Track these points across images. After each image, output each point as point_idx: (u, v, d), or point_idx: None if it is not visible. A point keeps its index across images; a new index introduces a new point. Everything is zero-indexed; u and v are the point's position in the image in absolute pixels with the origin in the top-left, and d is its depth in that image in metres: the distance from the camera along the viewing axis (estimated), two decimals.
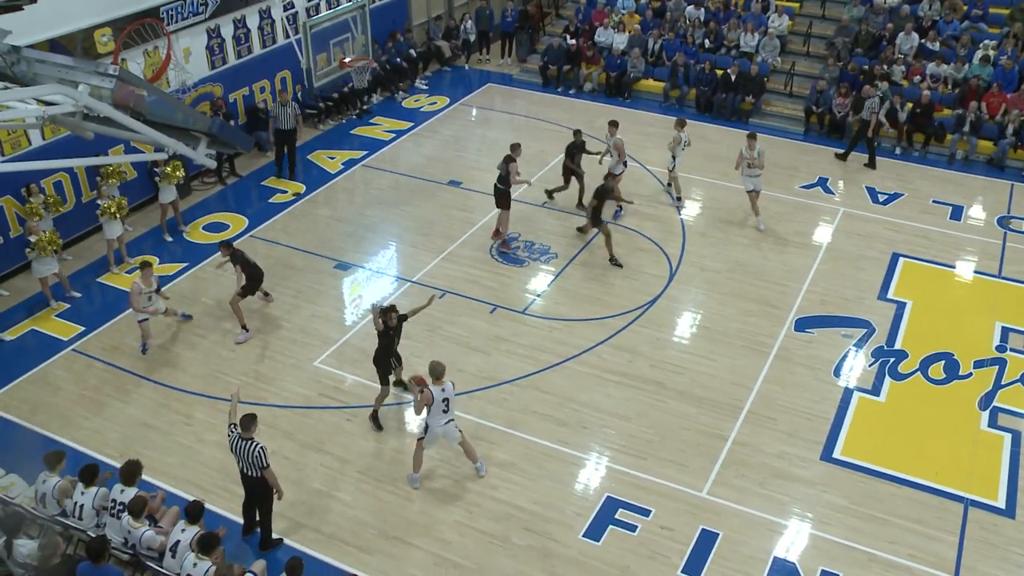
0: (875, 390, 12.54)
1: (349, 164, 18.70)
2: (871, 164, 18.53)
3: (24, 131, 14.43)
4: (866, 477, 11.10)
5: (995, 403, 12.26)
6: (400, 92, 21.94)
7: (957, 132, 18.91)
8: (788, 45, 21.97)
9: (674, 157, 16.81)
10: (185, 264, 15.27)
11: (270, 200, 17.34)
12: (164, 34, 15.49)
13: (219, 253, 13.51)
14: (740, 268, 15.14)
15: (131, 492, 9.26)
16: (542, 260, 15.39)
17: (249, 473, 9.69)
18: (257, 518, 10.10)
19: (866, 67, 20.20)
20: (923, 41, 20.62)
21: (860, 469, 11.21)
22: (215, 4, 17.54)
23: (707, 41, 22.07)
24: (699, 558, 10.00)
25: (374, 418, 11.76)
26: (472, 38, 23.92)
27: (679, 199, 17.08)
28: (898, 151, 19.29)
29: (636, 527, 10.39)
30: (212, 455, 11.33)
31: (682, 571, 9.87)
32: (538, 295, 14.51)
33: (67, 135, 14.22)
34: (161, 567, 8.89)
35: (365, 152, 19.20)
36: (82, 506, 9.34)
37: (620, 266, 15.01)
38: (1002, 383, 12.61)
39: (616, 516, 10.53)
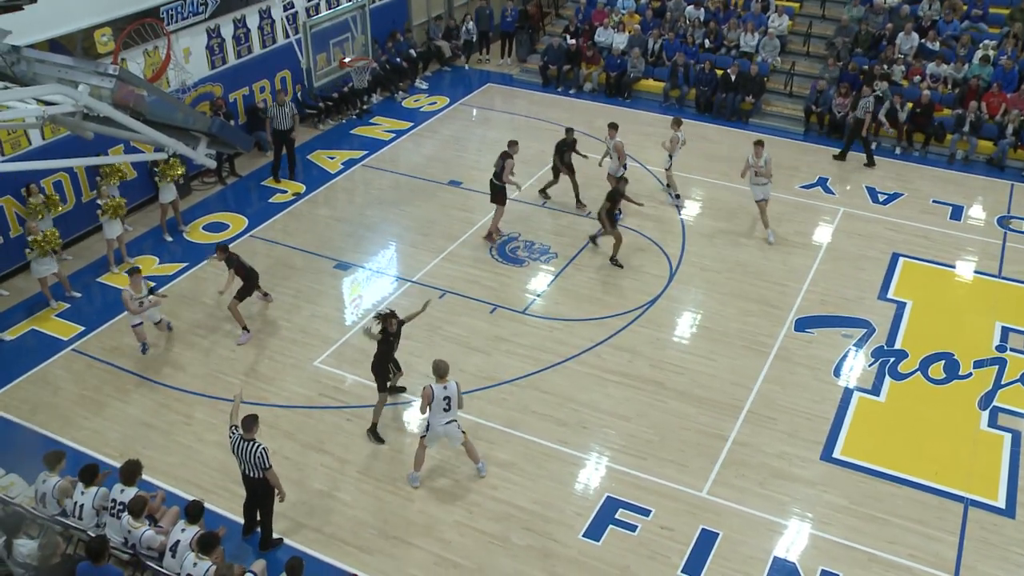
0: (875, 390, 12.54)
1: (349, 164, 18.70)
2: (870, 163, 18.55)
3: (24, 131, 14.43)
4: (866, 477, 11.10)
5: (995, 403, 12.26)
6: (400, 92, 21.94)
7: (957, 132, 18.91)
8: (788, 45, 21.97)
9: (671, 156, 16.84)
10: (185, 264, 15.27)
11: (270, 200, 17.34)
12: (164, 34, 15.49)
13: (214, 256, 13.53)
14: (740, 268, 15.15)
15: (131, 492, 9.26)
16: (542, 260, 15.39)
17: (251, 474, 9.69)
18: (258, 518, 10.10)
19: (866, 67, 20.20)
20: (923, 41, 20.62)
21: (860, 469, 11.21)
22: (215, 4, 17.54)
23: (707, 41, 22.07)
24: (699, 558, 10.00)
25: (373, 432, 11.62)
26: (474, 39, 23.92)
27: (678, 196, 17.10)
28: (898, 151, 19.29)
29: (636, 527, 10.40)
30: (212, 455, 11.33)
31: (682, 571, 9.88)
32: (538, 295, 14.51)
33: (67, 135, 14.21)
34: (161, 567, 8.90)
35: (365, 152, 19.20)
36: (82, 506, 9.34)
37: (620, 267, 15.01)
38: (1002, 383, 12.61)
39: (616, 516, 10.53)
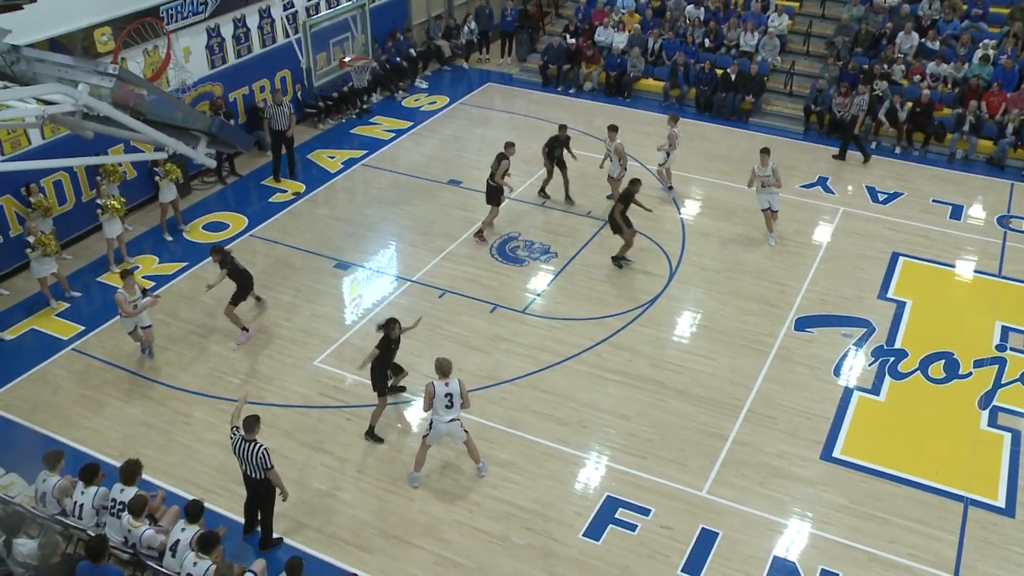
0: (875, 389, 12.54)
1: (349, 163, 18.70)
2: (864, 158, 18.59)
3: (24, 130, 14.42)
4: (866, 476, 11.10)
5: (995, 402, 12.26)
6: (400, 91, 21.94)
7: (957, 131, 18.91)
8: (788, 44, 21.96)
9: (668, 154, 16.87)
10: (185, 264, 15.26)
11: (270, 199, 17.33)
12: (164, 33, 15.48)
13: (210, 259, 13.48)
14: (740, 267, 15.15)
15: (131, 491, 9.26)
16: (542, 259, 15.39)
17: (252, 475, 9.69)
18: (258, 518, 10.09)
19: (866, 66, 20.19)
20: (923, 40, 20.62)
21: (860, 468, 11.21)
22: (215, 3, 17.53)
23: (707, 40, 22.06)
24: (699, 557, 10.00)
25: (371, 434, 11.62)
26: (475, 39, 23.91)
27: (671, 188, 17.21)
28: (898, 150, 19.29)
29: (636, 526, 10.40)
30: (212, 454, 11.33)
31: (682, 570, 9.88)
32: (538, 294, 14.51)
33: (67, 134, 14.22)
34: (161, 566, 8.90)
35: (365, 151, 19.20)
36: (82, 505, 9.34)
37: (620, 267, 14.99)
38: (1002, 382, 12.61)
39: (616, 515, 10.53)
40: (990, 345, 13.35)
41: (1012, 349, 13.25)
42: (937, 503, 10.74)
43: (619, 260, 15.06)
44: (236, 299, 13.25)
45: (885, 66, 20.07)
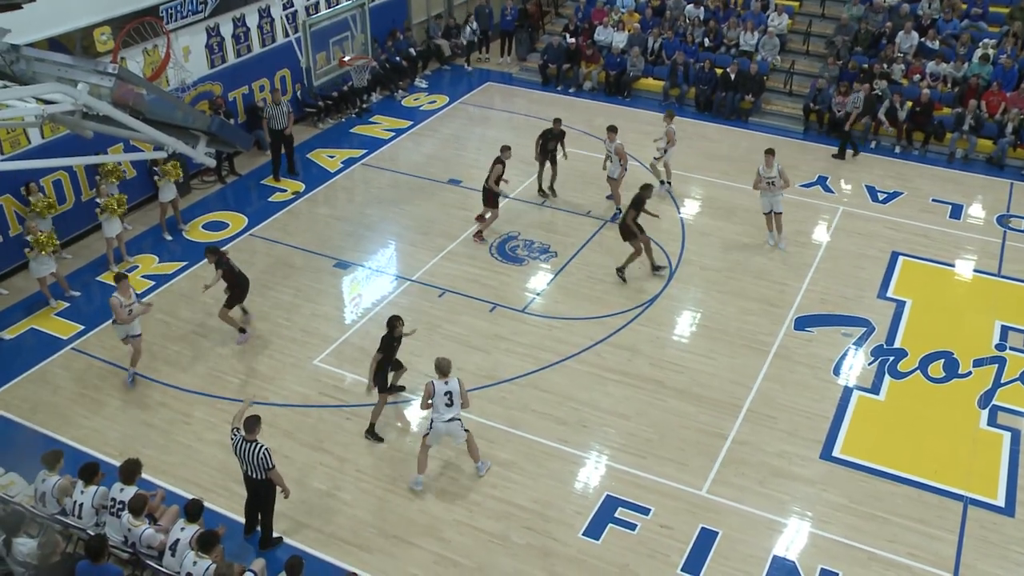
0: (875, 389, 12.54)
1: (349, 163, 18.70)
2: (847, 154, 18.69)
3: (23, 130, 14.42)
4: (866, 476, 11.10)
5: (994, 401, 12.27)
6: (400, 91, 21.93)
7: (957, 131, 18.91)
8: (788, 44, 21.96)
9: (665, 150, 16.87)
10: (184, 263, 15.25)
11: (269, 199, 17.33)
12: (163, 33, 15.48)
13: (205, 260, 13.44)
14: (740, 267, 15.15)
15: (131, 491, 9.26)
16: (541, 259, 15.38)
17: (253, 475, 9.69)
18: (259, 518, 10.09)
19: (866, 66, 20.19)
20: (923, 40, 20.62)
21: (860, 468, 11.22)
22: (214, 3, 17.52)
23: (707, 40, 22.05)
24: (699, 557, 10.00)
25: (371, 432, 11.62)
26: (477, 40, 23.90)
27: (662, 183, 17.22)
28: (898, 150, 19.29)
29: (636, 526, 10.40)
30: (212, 454, 11.33)
31: (682, 569, 9.88)
32: (538, 294, 14.51)
33: (66, 134, 14.21)
34: (161, 566, 8.90)
35: (365, 151, 19.19)
36: (82, 505, 9.34)
37: (624, 281, 14.63)
38: (1001, 381, 12.62)
39: (616, 515, 10.53)
40: (990, 344, 13.35)
41: (1012, 348, 13.25)
42: (937, 502, 10.74)
43: (623, 273, 14.64)
44: (230, 302, 13.15)
45: (885, 65, 20.07)
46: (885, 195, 17.48)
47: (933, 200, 17.34)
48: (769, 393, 12.39)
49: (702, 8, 22.70)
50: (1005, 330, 13.64)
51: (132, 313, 12.25)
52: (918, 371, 12.84)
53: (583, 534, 10.30)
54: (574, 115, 20.21)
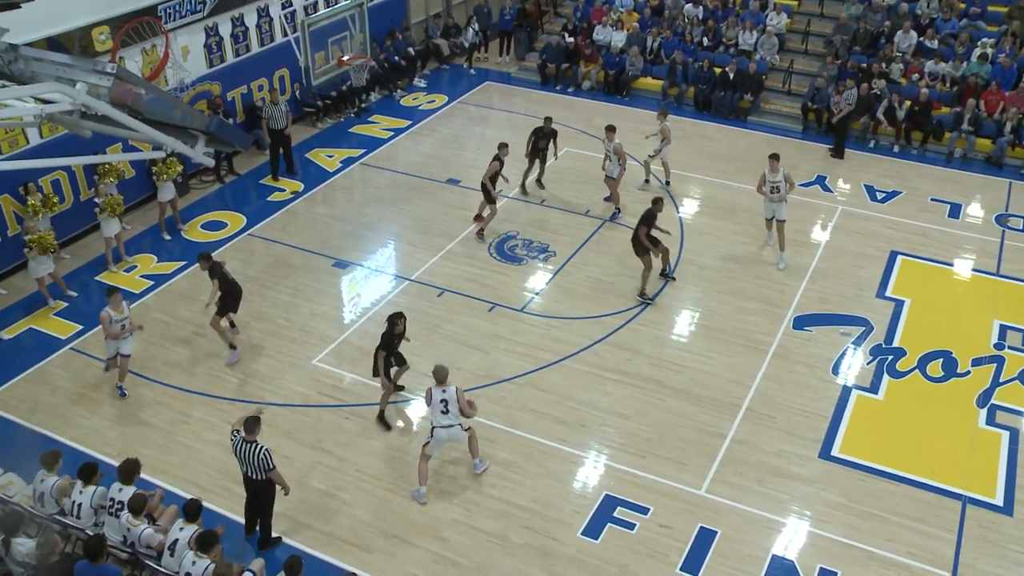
0: (873, 388, 12.55)
1: (347, 162, 18.69)
2: (838, 154, 18.75)
3: (22, 129, 14.41)
4: (864, 475, 11.10)
5: (993, 401, 12.28)
6: (398, 90, 21.92)
7: (955, 130, 18.92)
8: (786, 43, 21.96)
9: (659, 149, 16.92)
10: (183, 263, 15.24)
11: (268, 198, 17.32)
12: (162, 32, 15.46)
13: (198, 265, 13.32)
14: (739, 266, 15.15)
15: (129, 491, 9.26)
16: (540, 258, 15.38)
17: (253, 476, 9.69)
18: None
19: (864, 65, 20.20)
20: (921, 39, 20.63)
21: (858, 467, 11.22)
22: (213, 2, 17.50)
23: (705, 39, 22.05)
24: (698, 556, 10.01)
25: (381, 419, 11.72)
26: (478, 42, 23.89)
27: (646, 182, 17.38)
28: (896, 149, 19.30)
29: (635, 525, 10.40)
30: (211, 454, 11.33)
31: (681, 569, 9.88)
32: (536, 293, 14.51)
33: (65, 133, 14.19)
34: (159, 565, 8.90)
35: (363, 150, 19.18)
36: (80, 504, 9.34)
37: (652, 301, 14.09)
38: (1000, 381, 12.63)
39: (615, 514, 10.54)
40: (988, 343, 13.36)
41: (1010, 347, 13.26)
42: (935, 501, 10.75)
43: (644, 294, 14.21)
44: (223, 309, 12.79)
45: (883, 65, 20.07)
46: (884, 194, 17.48)
47: (932, 199, 17.35)
48: (768, 392, 12.40)
49: (701, 7, 22.70)
50: (1004, 329, 13.65)
51: (124, 328, 11.95)
52: (917, 370, 12.85)
53: (582, 533, 10.30)
54: (573, 114, 20.21)
